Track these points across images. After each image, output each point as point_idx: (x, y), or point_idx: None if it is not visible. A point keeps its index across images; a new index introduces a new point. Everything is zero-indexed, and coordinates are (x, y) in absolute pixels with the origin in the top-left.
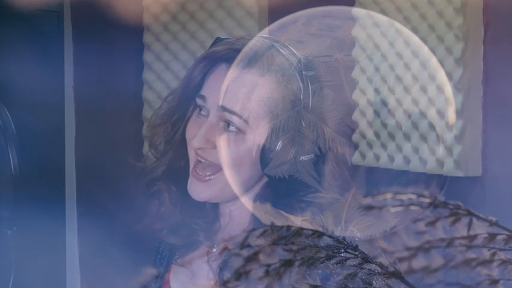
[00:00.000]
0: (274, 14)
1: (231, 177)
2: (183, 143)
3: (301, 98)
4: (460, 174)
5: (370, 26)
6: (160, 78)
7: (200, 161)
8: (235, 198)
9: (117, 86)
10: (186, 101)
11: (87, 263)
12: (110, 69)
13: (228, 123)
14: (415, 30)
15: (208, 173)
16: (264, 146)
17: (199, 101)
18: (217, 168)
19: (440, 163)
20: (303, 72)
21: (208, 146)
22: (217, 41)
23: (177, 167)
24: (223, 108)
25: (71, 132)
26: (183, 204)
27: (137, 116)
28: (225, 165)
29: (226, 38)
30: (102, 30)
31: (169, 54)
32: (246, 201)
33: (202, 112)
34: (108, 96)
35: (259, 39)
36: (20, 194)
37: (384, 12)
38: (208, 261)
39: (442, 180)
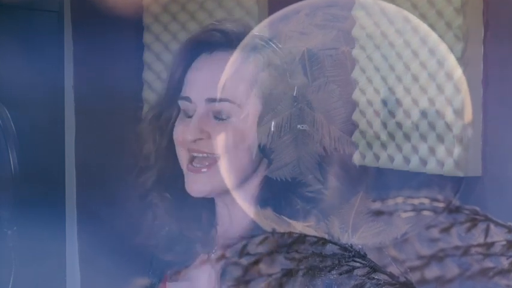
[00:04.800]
0: None
1: (229, 166)
2: (171, 149)
3: (305, 94)
4: (460, 174)
5: (370, 26)
6: (160, 78)
7: (195, 156)
8: (232, 189)
9: (117, 86)
10: (170, 103)
11: (87, 263)
12: (110, 69)
13: (218, 113)
14: (415, 30)
15: (206, 164)
16: (258, 125)
17: (183, 104)
18: (214, 160)
19: (441, 163)
20: (307, 67)
21: (204, 137)
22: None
23: (169, 175)
24: (212, 100)
25: (71, 132)
26: (179, 215)
27: (137, 116)
28: (223, 153)
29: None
30: (102, 30)
31: (169, 54)
32: (244, 203)
33: (188, 113)
34: (108, 96)
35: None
36: (20, 194)
37: (383, 12)
38: (209, 267)
39: (457, 183)
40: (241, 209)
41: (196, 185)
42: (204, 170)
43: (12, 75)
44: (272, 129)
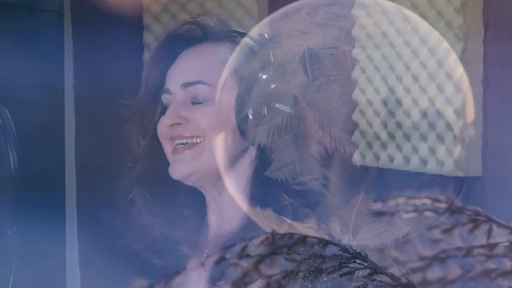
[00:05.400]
0: None
1: (210, 148)
2: (155, 148)
3: (305, 93)
4: (460, 174)
5: (370, 25)
6: None
7: (178, 144)
8: (216, 173)
9: (117, 86)
10: (153, 101)
11: (87, 263)
12: (110, 69)
13: (195, 97)
14: (415, 30)
15: (188, 147)
16: (237, 106)
17: (165, 98)
18: (195, 144)
19: (441, 163)
20: (307, 66)
21: (182, 121)
22: None
23: (155, 174)
24: (186, 84)
25: (71, 132)
26: (169, 216)
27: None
28: (203, 136)
29: None
30: (102, 30)
31: None
32: (233, 189)
33: (169, 105)
34: (108, 96)
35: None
36: (20, 194)
37: (384, 12)
38: (202, 271)
39: (459, 183)
40: (232, 204)
41: (178, 166)
42: (187, 151)
43: (12, 75)
44: (250, 116)
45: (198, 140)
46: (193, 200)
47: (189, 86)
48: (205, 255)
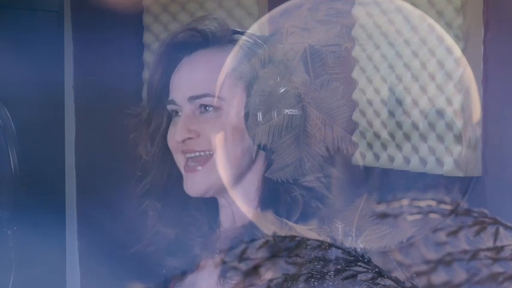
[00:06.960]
0: None
1: (223, 160)
2: (165, 155)
3: (307, 92)
4: (460, 174)
5: (370, 25)
6: None
7: (189, 158)
8: (229, 184)
9: (117, 86)
10: (158, 109)
11: (86, 263)
12: (109, 69)
13: (204, 108)
14: (415, 29)
15: (200, 162)
16: (246, 113)
17: (171, 108)
18: (208, 157)
19: (441, 163)
20: (308, 63)
21: (193, 136)
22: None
23: (166, 181)
24: (193, 98)
25: (71, 132)
26: (179, 220)
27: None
28: (215, 148)
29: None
30: (102, 30)
31: None
32: (244, 199)
33: (178, 114)
34: (108, 96)
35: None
36: (20, 194)
37: (384, 12)
38: (213, 271)
39: (464, 184)
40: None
41: (193, 184)
42: (199, 168)
43: (12, 75)
44: (259, 119)
45: (209, 153)
46: (205, 202)
47: (197, 99)
48: (216, 256)
